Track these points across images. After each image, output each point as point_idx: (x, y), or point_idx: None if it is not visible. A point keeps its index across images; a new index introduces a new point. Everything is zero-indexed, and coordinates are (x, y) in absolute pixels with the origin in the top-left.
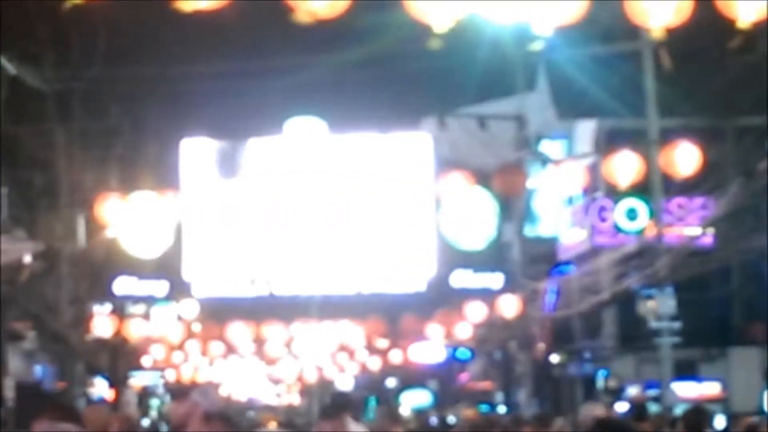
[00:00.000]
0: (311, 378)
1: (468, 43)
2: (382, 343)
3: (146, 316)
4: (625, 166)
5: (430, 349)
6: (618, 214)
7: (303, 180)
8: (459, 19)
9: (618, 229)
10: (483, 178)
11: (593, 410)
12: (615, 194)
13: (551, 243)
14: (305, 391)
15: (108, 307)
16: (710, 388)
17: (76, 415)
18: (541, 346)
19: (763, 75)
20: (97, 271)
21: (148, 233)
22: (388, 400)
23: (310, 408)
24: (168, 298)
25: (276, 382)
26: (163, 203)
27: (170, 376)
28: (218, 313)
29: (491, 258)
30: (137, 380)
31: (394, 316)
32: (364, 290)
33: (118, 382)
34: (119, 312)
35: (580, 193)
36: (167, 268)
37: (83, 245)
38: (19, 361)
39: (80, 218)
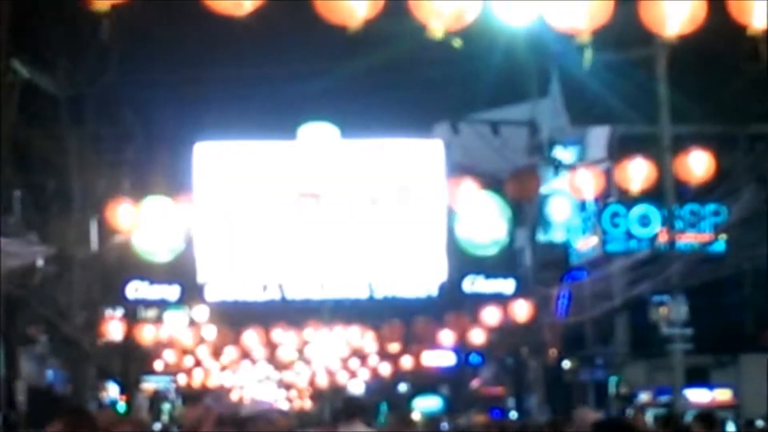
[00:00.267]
0: (323, 383)
1: (481, 49)
2: (394, 347)
3: (158, 320)
4: (638, 173)
5: (441, 353)
6: (630, 220)
7: (316, 185)
8: (471, 25)
9: (630, 235)
10: (495, 183)
11: (587, 416)
12: (627, 200)
13: (563, 249)
14: (316, 396)
15: (120, 311)
16: (722, 395)
17: (91, 419)
18: (553, 351)
19: None
20: (109, 275)
21: (161, 237)
22: (400, 406)
23: (321, 413)
24: (180, 302)
25: (288, 387)
26: (175, 207)
27: (182, 380)
28: (230, 318)
29: (503, 263)
30: (149, 384)
31: (406, 321)
32: (376, 294)
33: (129, 386)
34: (131, 316)
35: (593, 199)
36: (179, 272)
37: (95, 249)
38: (31, 365)
39: (93, 222)
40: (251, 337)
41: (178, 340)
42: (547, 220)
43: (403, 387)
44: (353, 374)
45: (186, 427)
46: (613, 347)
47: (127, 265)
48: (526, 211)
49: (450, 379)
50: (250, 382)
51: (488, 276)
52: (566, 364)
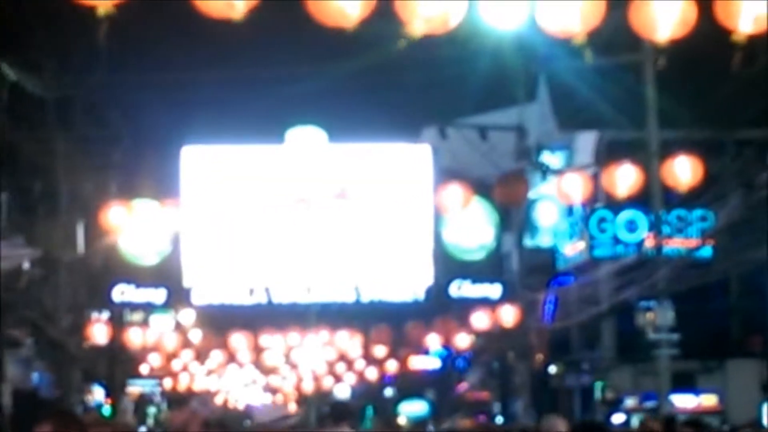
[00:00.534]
0: (309, 387)
1: (469, 53)
2: (380, 352)
3: (144, 323)
4: (625, 178)
5: (428, 357)
6: (618, 225)
7: (303, 189)
8: (459, 29)
9: (617, 241)
10: (483, 188)
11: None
12: (615, 206)
13: (550, 254)
14: (302, 400)
15: (106, 314)
16: (708, 400)
17: (79, 421)
18: (539, 356)
19: (763, 88)
20: (96, 278)
21: (148, 241)
22: (386, 410)
23: (307, 417)
24: (166, 305)
25: (274, 391)
26: (162, 211)
27: (167, 384)
28: (216, 321)
29: (490, 268)
30: (134, 388)
31: (393, 325)
32: (363, 298)
33: (115, 389)
34: (117, 319)
35: (580, 204)
36: (166, 275)
37: (82, 252)
38: (16, 368)
39: (79, 225)
40: (238, 341)
41: (164, 344)
42: (535, 225)
43: (389, 391)
44: (339, 378)
45: (172, 430)
46: (599, 352)
47: (113, 268)
48: (513, 215)
49: (436, 384)
50: (236, 386)
51: (475, 280)
52: (552, 369)
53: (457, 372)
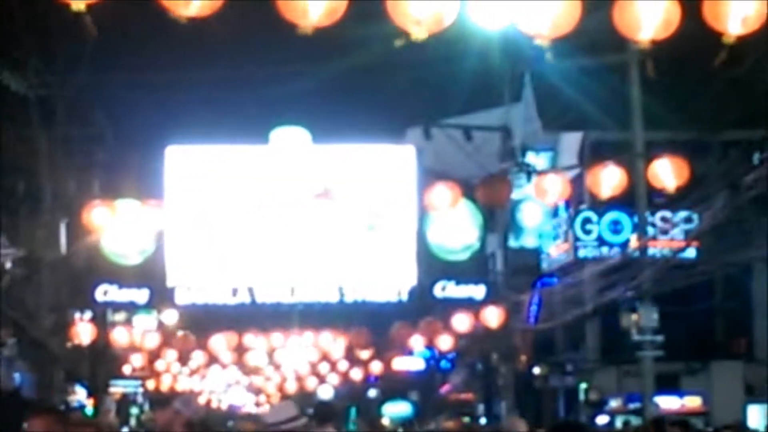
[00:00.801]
0: (292, 388)
1: (454, 54)
2: (364, 353)
3: (127, 323)
4: (610, 179)
5: (412, 358)
6: (602, 226)
7: (286, 189)
8: (445, 29)
9: (602, 242)
10: (467, 188)
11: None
12: (599, 207)
13: (535, 254)
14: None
15: (88, 314)
16: (692, 402)
17: (66, 419)
18: (523, 358)
19: (748, 89)
20: (78, 278)
21: (131, 240)
22: (369, 411)
23: None
24: (149, 305)
25: (257, 391)
26: (145, 210)
27: (150, 384)
28: (200, 322)
29: (474, 269)
30: (117, 388)
31: (376, 326)
32: (346, 299)
33: (97, 389)
34: (100, 319)
35: (564, 205)
36: (149, 275)
37: (64, 252)
38: None
39: (62, 225)
40: (218, 342)
41: (146, 344)
42: (519, 226)
43: (372, 392)
44: (322, 379)
45: (155, 430)
46: (583, 353)
47: (96, 268)
48: (498, 216)
49: (420, 385)
50: (219, 387)
51: (459, 281)
52: (536, 370)
53: (441, 373)
